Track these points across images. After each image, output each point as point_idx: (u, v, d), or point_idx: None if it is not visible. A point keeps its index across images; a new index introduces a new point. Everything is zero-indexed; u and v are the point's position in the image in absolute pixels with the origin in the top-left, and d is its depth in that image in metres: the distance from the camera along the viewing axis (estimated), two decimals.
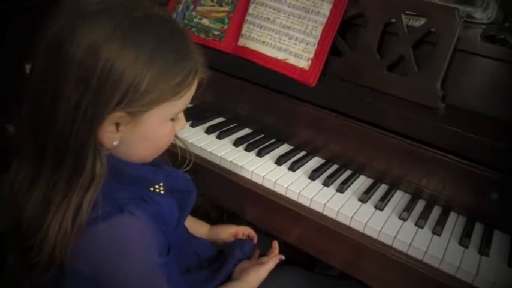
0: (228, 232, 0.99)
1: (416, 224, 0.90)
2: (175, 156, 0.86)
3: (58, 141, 0.57)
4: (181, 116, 0.69)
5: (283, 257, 0.93)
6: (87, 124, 0.56)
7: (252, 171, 1.00)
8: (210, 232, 1.00)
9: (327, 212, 0.92)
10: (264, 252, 0.97)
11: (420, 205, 0.97)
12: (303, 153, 1.11)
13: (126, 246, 0.60)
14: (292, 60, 1.08)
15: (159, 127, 0.64)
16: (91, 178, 0.58)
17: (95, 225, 0.57)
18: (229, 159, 1.03)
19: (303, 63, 1.06)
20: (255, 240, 1.01)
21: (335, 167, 1.07)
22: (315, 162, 1.08)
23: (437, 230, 0.88)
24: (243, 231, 1.00)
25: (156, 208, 0.65)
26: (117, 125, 0.59)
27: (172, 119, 0.66)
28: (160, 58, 0.58)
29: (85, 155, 0.57)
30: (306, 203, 0.94)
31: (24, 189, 0.61)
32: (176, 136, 0.73)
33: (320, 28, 1.05)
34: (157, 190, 0.70)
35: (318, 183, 0.99)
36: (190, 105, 1.13)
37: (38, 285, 0.64)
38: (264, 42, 1.11)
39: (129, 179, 0.65)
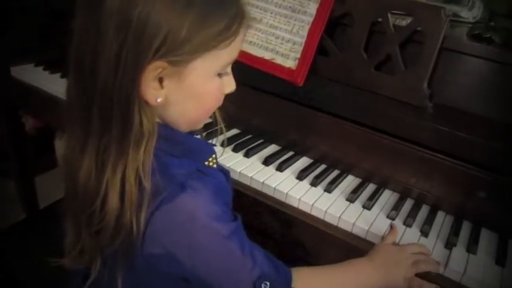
0: None
1: (404, 223, 0.90)
2: None
3: (103, 98, 0.55)
4: (230, 76, 0.66)
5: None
6: (130, 74, 0.54)
7: (240, 172, 0.99)
8: None
9: (314, 212, 0.91)
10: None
11: (408, 204, 0.97)
12: (290, 153, 1.10)
13: (195, 223, 0.59)
14: (279, 60, 1.07)
15: (205, 82, 0.61)
16: (140, 135, 0.57)
17: (161, 209, 0.57)
18: None
19: (290, 63, 1.05)
20: None
21: (323, 166, 1.06)
22: (303, 162, 1.08)
23: (425, 229, 0.88)
24: None
25: (215, 181, 0.64)
26: (161, 80, 0.57)
27: (220, 75, 0.63)
28: (200, 2, 0.55)
29: (131, 110, 0.56)
30: (294, 203, 0.93)
31: (76, 155, 0.60)
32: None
33: (307, 28, 1.04)
34: (211, 164, 0.69)
35: (305, 183, 0.99)
36: None
37: (109, 258, 0.63)
38: (250, 42, 1.10)
39: (185, 151, 0.63)
